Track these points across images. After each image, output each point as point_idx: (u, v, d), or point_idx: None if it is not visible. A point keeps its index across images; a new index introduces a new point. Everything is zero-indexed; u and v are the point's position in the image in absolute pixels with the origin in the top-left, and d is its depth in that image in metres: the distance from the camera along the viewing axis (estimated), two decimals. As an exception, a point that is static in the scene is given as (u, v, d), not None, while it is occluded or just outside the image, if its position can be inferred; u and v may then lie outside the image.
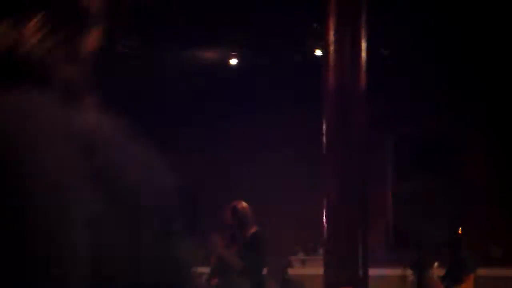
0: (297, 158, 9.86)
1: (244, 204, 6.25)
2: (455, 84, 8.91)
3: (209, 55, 9.00)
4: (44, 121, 0.57)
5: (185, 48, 8.98)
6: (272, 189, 10.24)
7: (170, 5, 8.12)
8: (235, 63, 9.09)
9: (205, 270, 6.74)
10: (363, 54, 5.50)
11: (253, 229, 6.16)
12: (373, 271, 5.74)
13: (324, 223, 5.40)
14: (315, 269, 8.72)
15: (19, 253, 0.51)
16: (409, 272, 6.69)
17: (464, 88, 8.87)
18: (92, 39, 0.65)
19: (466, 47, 8.61)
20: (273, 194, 10.18)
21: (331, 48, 5.49)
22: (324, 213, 5.42)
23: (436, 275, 6.76)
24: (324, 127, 5.55)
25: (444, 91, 8.91)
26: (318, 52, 7.51)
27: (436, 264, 6.79)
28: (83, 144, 0.58)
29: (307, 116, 7.65)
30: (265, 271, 6.36)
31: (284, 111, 10.25)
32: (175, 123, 11.34)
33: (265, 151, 10.49)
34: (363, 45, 5.50)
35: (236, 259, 6.05)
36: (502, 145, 8.70)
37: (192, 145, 11.34)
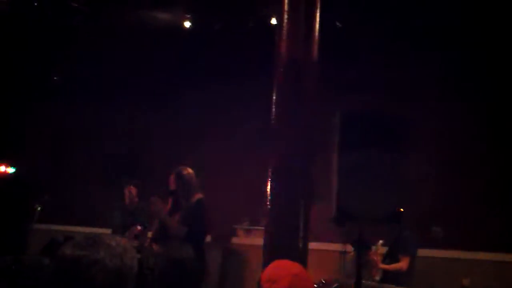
0: (247, 128, 9.80)
1: (189, 169, 6.22)
2: (406, 60, 8.92)
3: (163, 16, 8.81)
4: None
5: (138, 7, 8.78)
6: (221, 159, 10.19)
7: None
8: (189, 26, 8.91)
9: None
10: (317, 26, 5.46)
11: (197, 195, 6.13)
12: (313, 245, 5.75)
13: (267, 193, 5.38)
14: (258, 239, 8.75)
15: None
16: (349, 248, 6.75)
17: (415, 64, 8.90)
18: None
19: (421, 21, 8.61)
20: (222, 164, 10.13)
21: (285, 17, 5.43)
22: (268, 183, 5.40)
23: (379, 252, 6.83)
24: (273, 97, 5.50)
25: (395, 66, 8.91)
26: (274, 21, 7.41)
27: (380, 242, 6.85)
28: None
29: (257, 85, 7.57)
30: (208, 238, 6.36)
31: (235, 78, 10.16)
32: (124, 85, 11.18)
33: (214, 120, 10.41)
34: (317, 16, 5.46)
35: (179, 225, 6.01)
36: (451, 123, 8.75)
37: (140, 110, 11.21)
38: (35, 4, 8.68)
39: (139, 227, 7.62)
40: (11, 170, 11.39)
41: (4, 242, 10.52)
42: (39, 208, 9.78)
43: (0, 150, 11.52)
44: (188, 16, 8.84)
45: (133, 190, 8.27)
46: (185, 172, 6.16)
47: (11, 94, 11.97)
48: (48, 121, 12.04)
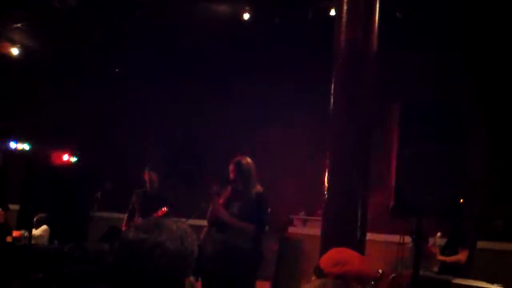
0: (305, 118, 9.81)
1: (248, 159, 6.25)
2: (466, 52, 8.78)
3: (222, 8, 8.89)
4: None
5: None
6: (279, 149, 10.24)
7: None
8: (248, 17, 8.95)
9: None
10: (376, 16, 5.44)
11: (257, 188, 6.17)
12: (371, 236, 5.76)
13: (325, 184, 5.41)
14: (315, 229, 8.78)
15: None
16: (407, 239, 6.71)
17: (476, 55, 8.76)
18: None
19: (482, 14, 8.47)
20: (280, 155, 10.18)
21: (344, 8, 5.42)
22: (326, 174, 5.42)
23: (438, 244, 6.77)
24: (332, 88, 5.51)
25: (455, 58, 8.78)
26: (333, 12, 7.39)
27: (438, 234, 6.79)
28: None
29: (316, 77, 7.58)
30: (267, 229, 6.42)
31: (294, 70, 10.18)
32: (184, 75, 11.33)
33: (272, 110, 10.45)
34: (377, 6, 5.43)
35: (247, 224, 6.07)
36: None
37: (198, 99, 11.36)
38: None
39: (164, 209, 7.74)
40: (74, 159, 11.66)
41: (67, 230, 10.82)
42: (99, 196, 10.02)
43: (64, 140, 11.81)
44: (247, 8, 8.87)
45: (154, 175, 8.35)
46: (244, 162, 6.20)
47: (76, 86, 12.26)
48: (110, 113, 12.31)
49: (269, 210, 6.30)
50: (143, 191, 8.32)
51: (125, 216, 8.42)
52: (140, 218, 7.92)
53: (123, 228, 8.46)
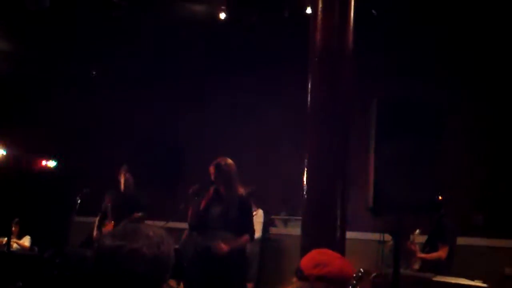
0: (283, 119, 9.80)
1: (229, 161, 6.21)
2: (443, 48, 8.82)
3: (198, 8, 8.85)
4: None
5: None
6: (258, 150, 10.24)
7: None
8: (224, 17, 8.92)
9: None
10: (352, 14, 5.43)
11: (240, 190, 6.14)
12: (351, 234, 5.75)
13: (304, 182, 5.39)
14: (295, 229, 8.77)
15: None
16: (387, 237, 6.71)
17: (452, 52, 8.79)
18: None
19: (459, 12, 8.50)
20: (260, 155, 10.18)
21: (320, 6, 5.41)
22: (305, 173, 5.40)
23: (417, 242, 6.77)
24: (309, 86, 5.49)
25: (432, 55, 8.81)
26: (309, 10, 7.38)
27: (417, 231, 6.79)
28: None
29: (292, 76, 7.57)
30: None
31: (270, 69, 10.18)
32: (162, 76, 11.29)
33: (250, 112, 10.45)
34: (352, 4, 5.42)
35: (246, 239, 6.07)
36: (491, 108, 8.64)
37: (178, 99, 11.33)
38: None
39: (139, 214, 7.73)
40: (52, 164, 11.56)
41: (47, 235, 10.71)
42: (79, 201, 9.94)
43: (41, 145, 11.71)
44: (223, 7, 8.83)
45: (129, 177, 8.31)
46: (223, 163, 6.18)
47: (52, 89, 12.15)
48: (88, 116, 12.21)
49: (250, 213, 6.32)
50: (116, 192, 8.27)
51: (95, 220, 8.38)
52: (113, 220, 7.87)
53: (94, 232, 8.42)
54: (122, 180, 8.22)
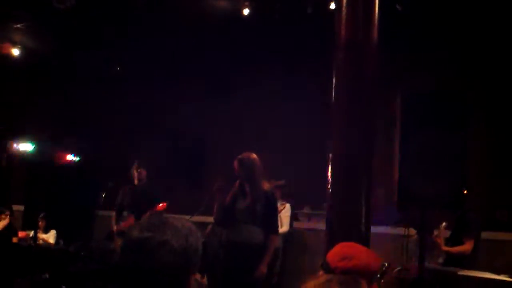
0: (308, 113, 9.79)
1: (252, 156, 6.24)
2: (468, 43, 8.74)
3: (222, 4, 8.87)
4: None
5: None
6: (283, 144, 10.25)
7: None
8: (247, 13, 8.92)
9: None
10: (376, 8, 5.42)
11: (265, 186, 6.18)
12: (376, 229, 5.74)
13: (329, 178, 5.39)
14: (319, 224, 8.79)
15: None
16: (412, 231, 6.69)
17: (477, 47, 8.72)
18: None
19: (482, 7, 8.43)
20: (284, 150, 10.18)
21: (344, 1, 5.40)
22: (329, 168, 5.41)
23: (443, 236, 6.75)
24: (333, 81, 5.49)
25: (455, 49, 8.74)
26: (332, 5, 7.37)
27: (443, 224, 6.76)
28: None
29: (317, 71, 7.56)
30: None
31: (295, 63, 10.18)
32: (185, 73, 11.34)
33: (276, 106, 10.46)
34: (377, -1, 5.41)
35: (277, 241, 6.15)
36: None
37: (202, 93, 11.38)
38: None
39: (164, 204, 7.82)
40: (76, 158, 11.67)
41: (73, 229, 10.85)
42: (104, 195, 10.05)
43: (66, 139, 11.82)
44: (247, 3, 8.85)
45: (143, 171, 8.43)
46: (247, 158, 6.20)
47: (79, 86, 12.26)
48: (113, 111, 12.31)
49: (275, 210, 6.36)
50: (131, 187, 8.40)
51: (113, 214, 8.52)
52: (131, 214, 7.98)
53: (113, 226, 8.56)
54: (136, 174, 8.36)
